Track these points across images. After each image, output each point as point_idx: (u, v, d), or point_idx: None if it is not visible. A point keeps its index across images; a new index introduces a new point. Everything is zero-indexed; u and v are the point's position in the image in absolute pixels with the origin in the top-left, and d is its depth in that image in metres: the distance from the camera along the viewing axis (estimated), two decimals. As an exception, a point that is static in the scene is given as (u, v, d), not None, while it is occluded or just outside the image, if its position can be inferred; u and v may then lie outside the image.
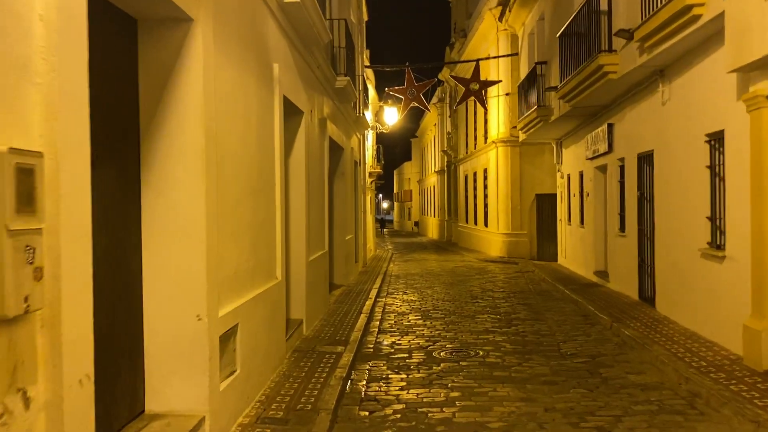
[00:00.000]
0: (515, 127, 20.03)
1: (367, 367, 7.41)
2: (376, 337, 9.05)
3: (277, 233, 6.93)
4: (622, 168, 12.04)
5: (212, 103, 4.57)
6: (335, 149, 13.79)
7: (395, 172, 69.17)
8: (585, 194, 15.17)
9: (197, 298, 4.41)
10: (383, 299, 12.81)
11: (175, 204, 4.39)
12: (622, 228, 11.98)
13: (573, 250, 16.90)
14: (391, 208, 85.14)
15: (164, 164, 4.39)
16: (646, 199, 10.53)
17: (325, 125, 10.97)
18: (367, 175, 22.74)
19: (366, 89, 19.52)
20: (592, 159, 14.19)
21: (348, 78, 11.98)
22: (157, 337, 4.43)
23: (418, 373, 7.07)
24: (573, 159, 16.64)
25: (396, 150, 72.11)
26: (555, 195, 20.34)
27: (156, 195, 4.40)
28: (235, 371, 5.21)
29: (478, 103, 26.91)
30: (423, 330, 9.51)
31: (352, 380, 6.80)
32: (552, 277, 15.39)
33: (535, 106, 15.22)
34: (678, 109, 8.80)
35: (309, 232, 9.15)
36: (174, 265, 4.39)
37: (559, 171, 18.77)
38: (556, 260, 19.90)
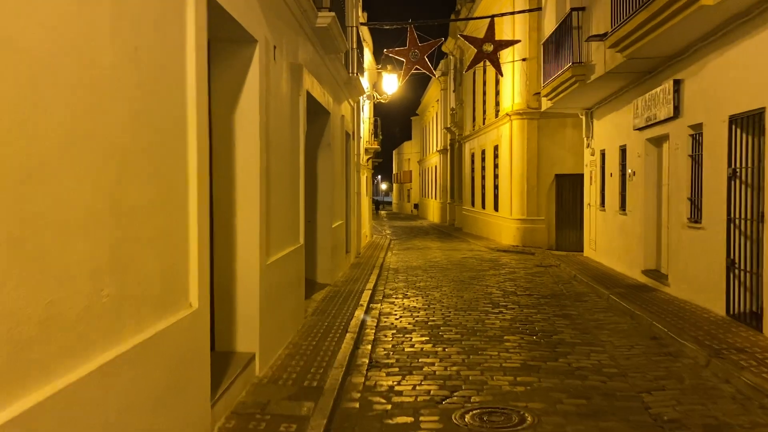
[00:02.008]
0: (538, 93, 17.02)
1: (348, 447, 4.55)
2: (366, 378, 6.17)
3: (192, 227, 4.02)
4: (695, 137, 9.10)
5: None
6: (318, 113, 10.83)
7: (394, 152, 66.21)
8: (629, 173, 12.24)
9: None
10: (378, 305, 9.93)
11: None
12: (696, 217, 9.08)
13: (608, 241, 14.02)
14: (390, 189, 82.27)
15: None
16: (740, 178, 7.62)
17: (300, 75, 8.02)
18: (362, 151, 19.75)
19: (361, 47, 16.49)
20: (642, 129, 11.24)
21: (333, 14, 8.98)
22: None
23: (433, 468, 4.21)
24: (611, 131, 13.68)
25: (395, 129, 69.32)
26: (578, 175, 17.46)
27: None
28: None
29: (487, 73, 24.05)
30: (433, 363, 6.63)
31: (317, 488, 3.94)
32: (584, 275, 12.53)
33: (570, 64, 12.23)
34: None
35: (268, 221, 6.24)
36: None
37: (588, 146, 15.82)
38: (579, 251, 17.07)
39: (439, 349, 7.22)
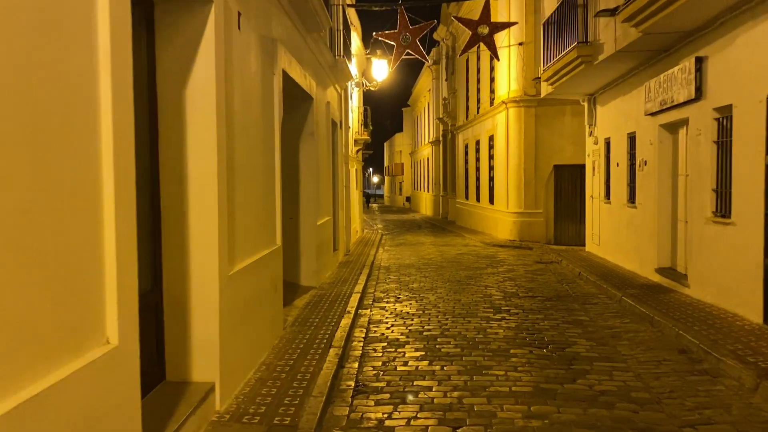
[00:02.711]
0: (538, 78, 16.01)
1: None
2: (351, 408, 5.16)
3: (109, 238, 2.98)
4: (722, 121, 8.13)
5: None
6: (300, 98, 9.78)
7: (386, 144, 65.13)
8: (640, 163, 11.27)
9: None
10: (367, 312, 8.92)
11: None
12: (723, 211, 8.11)
13: (614, 235, 13.07)
14: (382, 182, 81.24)
15: None
16: (780, 166, 6.65)
17: (274, 51, 6.97)
18: (352, 142, 18.71)
19: (348, 29, 15.42)
20: (656, 114, 10.27)
21: (313, -16, 7.93)
22: None
23: None
24: (617, 117, 12.70)
25: (386, 121, 68.25)
26: (579, 166, 16.50)
27: None
28: None
29: (481, 60, 22.97)
30: (430, 388, 5.62)
31: None
32: (590, 273, 11.58)
33: (575, 43, 11.22)
34: None
35: (233, 222, 5.21)
36: None
37: (591, 135, 14.84)
38: (579, 245, 16.14)
39: (437, 367, 6.22)
